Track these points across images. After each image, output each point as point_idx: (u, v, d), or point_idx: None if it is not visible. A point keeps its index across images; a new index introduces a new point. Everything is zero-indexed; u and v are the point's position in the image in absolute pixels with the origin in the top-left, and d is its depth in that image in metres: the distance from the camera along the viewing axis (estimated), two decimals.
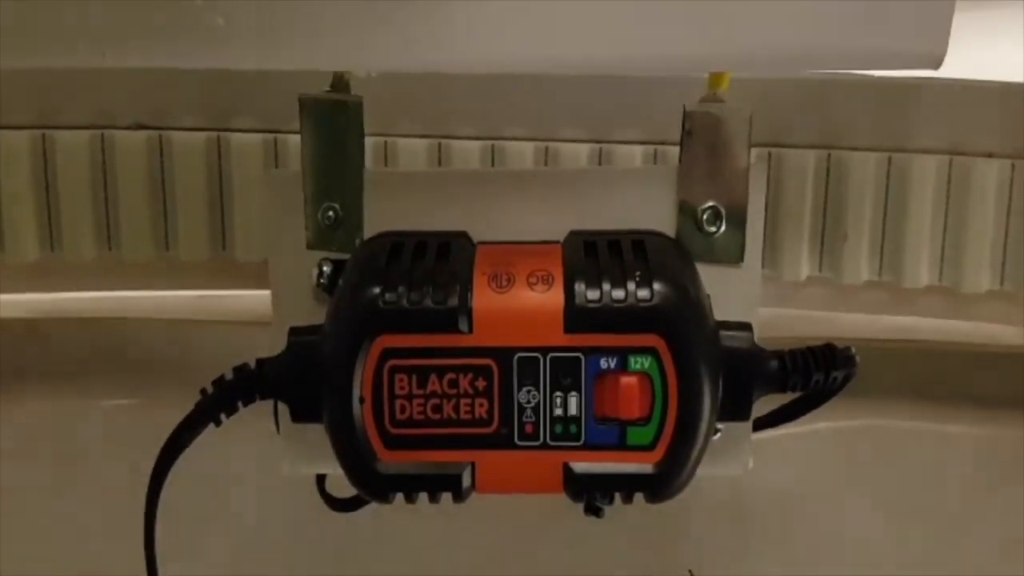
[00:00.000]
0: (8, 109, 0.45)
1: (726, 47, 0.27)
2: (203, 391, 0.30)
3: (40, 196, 0.46)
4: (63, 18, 0.25)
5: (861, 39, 0.26)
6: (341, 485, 0.31)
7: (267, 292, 0.33)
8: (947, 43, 0.26)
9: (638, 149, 0.44)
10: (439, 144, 0.45)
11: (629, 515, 0.30)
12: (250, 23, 0.25)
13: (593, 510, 0.30)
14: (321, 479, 0.35)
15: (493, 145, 0.45)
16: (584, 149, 0.45)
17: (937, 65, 0.26)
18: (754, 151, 0.31)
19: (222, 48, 0.25)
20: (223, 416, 0.30)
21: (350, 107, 0.31)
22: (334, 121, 0.32)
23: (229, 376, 0.30)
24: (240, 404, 0.30)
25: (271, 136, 0.45)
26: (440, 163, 0.45)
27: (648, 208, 0.32)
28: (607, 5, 0.26)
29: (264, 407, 0.31)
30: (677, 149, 0.31)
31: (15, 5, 0.25)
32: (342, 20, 0.25)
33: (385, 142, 0.45)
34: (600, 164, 0.44)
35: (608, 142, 0.44)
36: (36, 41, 0.25)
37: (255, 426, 0.31)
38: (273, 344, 0.31)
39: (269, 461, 0.33)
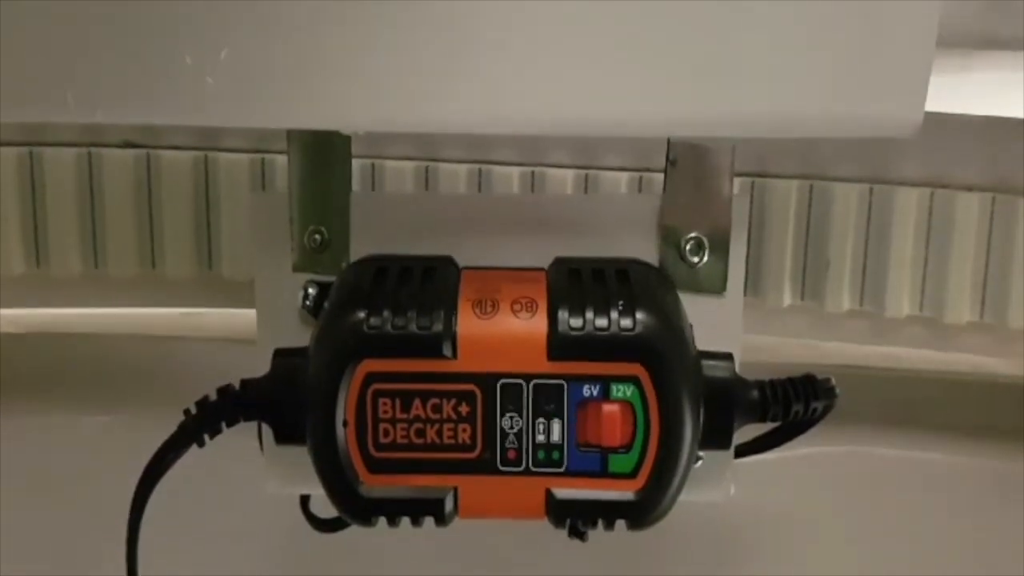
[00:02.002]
0: None
1: (713, 114, 0.27)
2: (187, 412, 0.30)
3: (27, 212, 0.46)
4: (57, 76, 0.25)
5: (841, 108, 0.26)
6: (326, 504, 0.31)
7: (252, 310, 0.33)
8: (923, 111, 0.26)
9: (624, 176, 0.44)
10: (426, 167, 0.45)
11: (612, 539, 0.30)
12: (239, 83, 0.25)
13: (577, 533, 0.30)
14: (305, 499, 0.35)
15: (480, 169, 0.45)
16: (570, 174, 0.45)
17: (914, 131, 0.27)
18: (737, 181, 0.32)
19: (211, 106, 0.26)
20: (206, 437, 0.30)
21: (337, 139, 0.32)
22: (322, 151, 0.32)
23: (213, 397, 0.30)
24: (224, 425, 0.30)
25: (258, 156, 0.45)
26: (428, 185, 0.45)
27: (632, 235, 0.32)
28: (596, 73, 0.26)
29: (250, 426, 0.31)
30: (662, 176, 0.32)
31: (10, 62, 0.25)
32: (330, 83, 0.26)
33: (373, 164, 0.45)
34: (586, 189, 0.45)
35: (594, 168, 0.45)
36: (30, 98, 0.26)
37: (240, 444, 0.31)
38: (257, 365, 0.31)
39: (253, 479, 0.33)
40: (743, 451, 0.33)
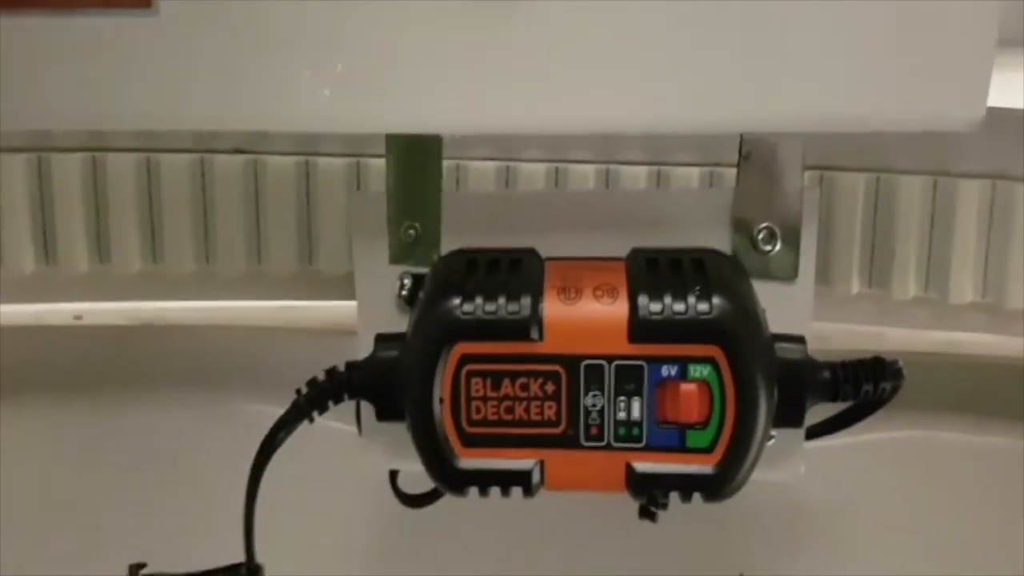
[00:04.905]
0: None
1: (784, 111, 0.27)
2: (298, 391, 0.31)
3: (144, 213, 0.48)
4: (199, 91, 0.27)
5: (907, 104, 0.27)
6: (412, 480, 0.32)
7: (347, 303, 0.34)
8: (985, 106, 0.26)
9: (694, 171, 0.45)
10: (507, 166, 0.46)
11: (682, 519, 0.30)
12: (351, 94, 0.26)
13: (648, 514, 0.30)
14: (393, 476, 0.35)
15: (557, 167, 0.46)
16: (643, 171, 0.45)
17: (976, 125, 0.26)
18: (807, 174, 0.32)
19: (327, 115, 0.27)
20: (315, 414, 0.32)
21: (431, 142, 0.33)
22: (416, 154, 0.33)
23: (322, 378, 0.31)
24: (331, 403, 0.32)
25: (353, 160, 0.46)
26: (508, 184, 0.46)
27: (704, 227, 0.32)
28: (675, 74, 0.26)
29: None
30: (731, 170, 0.32)
31: (135, 70, 0.26)
32: (429, 91, 0.27)
33: (458, 164, 0.46)
34: (658, 185, 0.45)
35: (666, 164, 0.45)
36: (157, 110, 0.27)
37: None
38: (359, 349, 0.32)
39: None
40: (814, 432, 0.32)
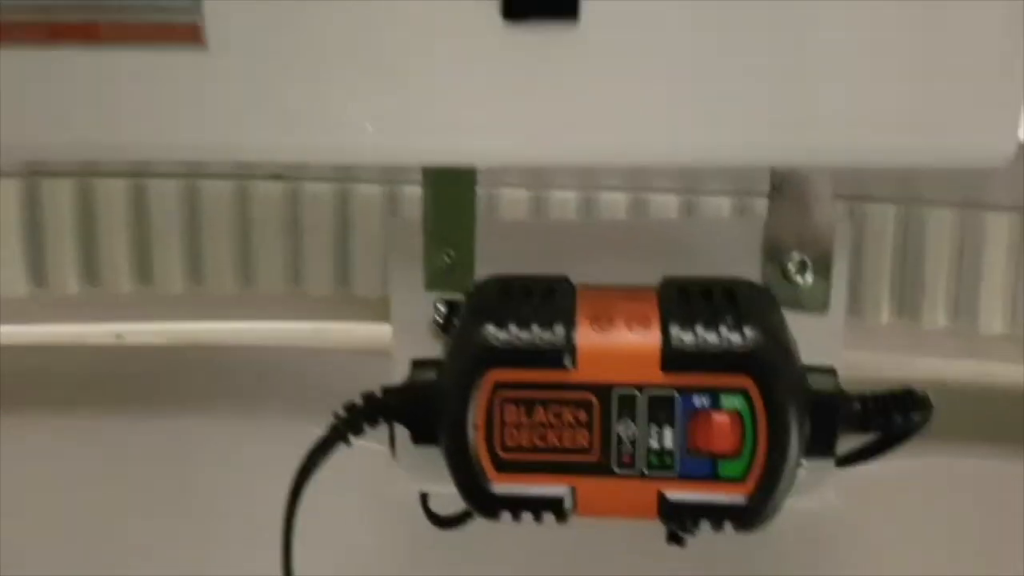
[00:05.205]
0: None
1: (815, 145, 0.27)
2: (336, 415, 0.32)
3: (186, 238, 0.49)
4: (235, 121, 0.27)
5: (937, 140, 0.27)
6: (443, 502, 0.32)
7: (380, 325, 0.34)
8: (1015, 143, 0.26)
9: (725, 200, 0.45)
10: (538, 195, 0.46)
11: (712, 543, 0.30)
12: (392, 128, 0.27)
13: (676, 539, 0.30)
14: (425, 498, 0.36)
15: (589, 196, 0.46)
16: (673, 200, 0.45)
17: (1006, 161, 0.26)
18: (838, 205, 0.32)
19: (367, 148, 0.27)
20: (352, 436, 0.32)
21: (466, 173, 0.33)
22: (451, 184, 0.33)
23: (359, 402, 0.32)
24: (367, 426, 0.32)
25: (389, 187, 0.47)
26: (540, 211, 0.46)
27: (735, 257, 0.32)
28: (708, 109, 0.27)
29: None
30: (762, 200, 0.32)
31: (184, 103, 0.27)
32: (465, 126, 0.27)
33: (490, 193, 0.47)
34: (688, 213, 0.45)
35: (697, 192, 0.45)
36: (204, 142, 0.28)
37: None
38: (394, 373, 0.32)
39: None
40: (844, 461, 0.32)
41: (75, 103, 0.27)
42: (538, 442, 0.29)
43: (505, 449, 0.30)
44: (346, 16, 0.26)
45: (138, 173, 0.47)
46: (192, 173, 0.48)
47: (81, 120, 0.27)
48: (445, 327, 0.34)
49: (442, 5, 0.26)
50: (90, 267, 0.49)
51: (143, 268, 0.49)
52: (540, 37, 0.26)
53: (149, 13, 0.26)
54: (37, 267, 0.48)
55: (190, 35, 0.26)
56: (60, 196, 0.48)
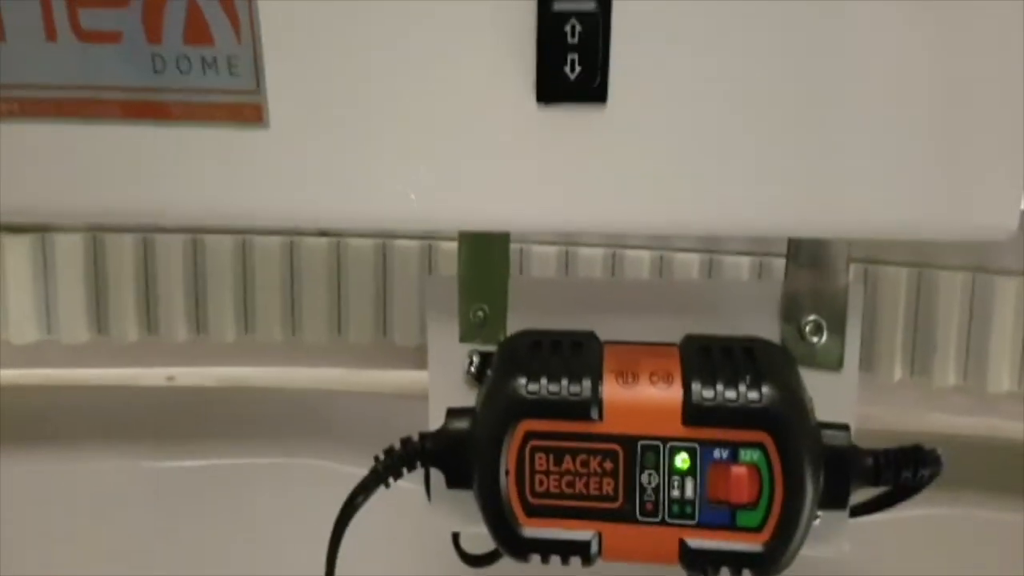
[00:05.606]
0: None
1: (830, 220, 0.28)
2: (376, 459, 0.33)
3: (239, 291, 0.50)
4: (289, 192, 0.29)
5: (944, 215, 0.28)
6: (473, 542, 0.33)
7: (416, 372, 0.36)
8: (1017, 218, 0.27)
9: (745, 260, 0.46)
10: (566, 251, 0.48)
11: None
12: (433, 197, 0.29)
13: None
14: (456, 537, 0.37)
15: (615, 252, 0.47)
16: (696, 258, 0.47)
17: (1009, 235, 0.28)
18: (852, 267, 0.33)
19: (409, 215, 0.29)
20: (391, 479, 0.33)
21: (499, 236, 0.35)
22: (485, 245, 0.35)
23: (397, 447, 0.33)
24: (405, 470, 0.33)
25: (425, 243, 0.49)
26: (568, 267, 0.48)
27: (754, 317, 0.34)
28: (730, 185, 0.28)
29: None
30: (780, 260, 0.33)
31: (242, 175, 0.29)
32: (501, 195, 0.29)
33: (521, 248, 0.48)
34: (710, 272, 0.46)
35: (718, 252, 0.47)
36: (260, 210, 0.29)
37: None
38: (430, 420, 0.34)
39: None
40: (857, 511, 0.33)
41: (145, 173, 0.29)
42: (566, 489, 0.31)
43: (535, 495, 0.31)
44: (394, 98, 0.28)
45: (194, 230, 0.50)
46: (245, 230, 0.50)
47: (147, 188, 0.29)
48: (478, 376, 0.35)
49: (482, 90, 0.28)
50: (149, 316, 0.51)
51: (199, 317, 0.51)
52: (571, 117, 0.27)
53: (216, 95, 0.28)
54: (100, 316, 0.51)
55: (253, 115, 0.28)
56: (123, 250, 0.50)
